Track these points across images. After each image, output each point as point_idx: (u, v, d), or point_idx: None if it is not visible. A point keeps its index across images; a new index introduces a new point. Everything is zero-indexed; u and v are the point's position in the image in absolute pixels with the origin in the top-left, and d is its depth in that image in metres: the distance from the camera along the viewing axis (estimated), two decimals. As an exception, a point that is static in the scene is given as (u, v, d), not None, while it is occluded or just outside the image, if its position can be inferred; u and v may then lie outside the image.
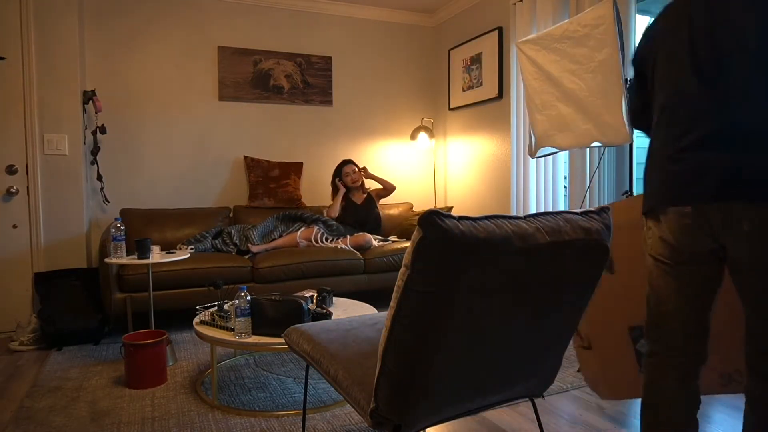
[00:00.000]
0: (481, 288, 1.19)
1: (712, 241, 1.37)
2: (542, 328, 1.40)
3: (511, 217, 1.27)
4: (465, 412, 1.48)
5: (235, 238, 3.87)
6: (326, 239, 3.96)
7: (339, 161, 4.53)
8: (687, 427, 1.45)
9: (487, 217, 1.23)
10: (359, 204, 4.35)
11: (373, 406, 1.30)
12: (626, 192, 2.93)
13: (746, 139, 1.31)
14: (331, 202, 4.37)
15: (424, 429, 1.41)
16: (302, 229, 3.99)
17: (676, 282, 1.45)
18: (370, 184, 4.55)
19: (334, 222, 4.14)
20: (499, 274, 1.20)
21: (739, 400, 2.32)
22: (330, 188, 4.48)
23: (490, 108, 4.33)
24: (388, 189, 4.48)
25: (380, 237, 4.23)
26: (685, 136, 1.39)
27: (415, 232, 1.18)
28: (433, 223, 1.14)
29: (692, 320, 1.45)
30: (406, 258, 1.19)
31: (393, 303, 1.23)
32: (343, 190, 4.33)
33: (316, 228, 3.97)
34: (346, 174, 4.35)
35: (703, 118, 1.36)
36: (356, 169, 4.39)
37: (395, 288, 1.23)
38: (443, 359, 1.24)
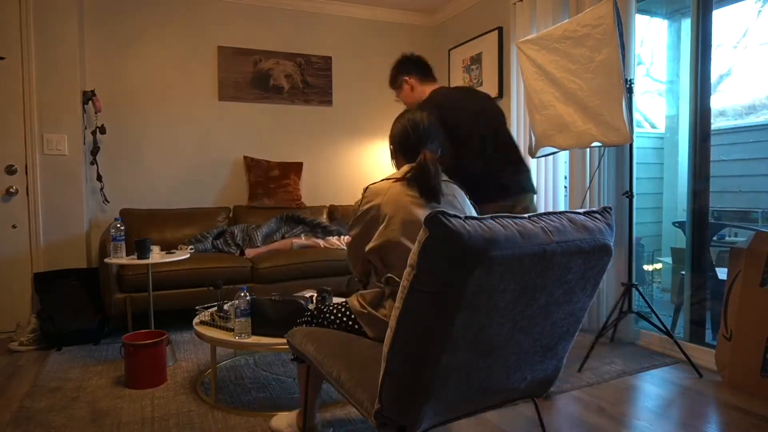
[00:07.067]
0: (487, 288, 1.19)
1: None
2: (546, 327, 1.40)
3: (516, 217, 1.27)
4: (469, 412, 1.48)
5: (237, 238, 3.87)
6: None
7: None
8: None
9: (492, 217, 1.23)
10: None
11: (378, 407, 1.30)
12: (626, 192, 2.93)
13: None
14: None
15: (428, 430, 1.41)
16: (301, 237, 4.00)
17: None
18: None
19: (335, 228, 4.14)
20: (505, 273, 1.20)
21: (737, 400, 2.32)
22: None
23: (489, 108, 4.33)
24: None
25: None
26: None
27: (420, 232, 1.17)
28: (440, 222, 1.14)
29: None
30: (412, 258, 1.19)
31: (398, 303, 1.23)
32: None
33: (314, 239, 3.99)
34: None
35: None
36: None
37: (400, 288, 1.23)
38: (448, 360, 1.24)
